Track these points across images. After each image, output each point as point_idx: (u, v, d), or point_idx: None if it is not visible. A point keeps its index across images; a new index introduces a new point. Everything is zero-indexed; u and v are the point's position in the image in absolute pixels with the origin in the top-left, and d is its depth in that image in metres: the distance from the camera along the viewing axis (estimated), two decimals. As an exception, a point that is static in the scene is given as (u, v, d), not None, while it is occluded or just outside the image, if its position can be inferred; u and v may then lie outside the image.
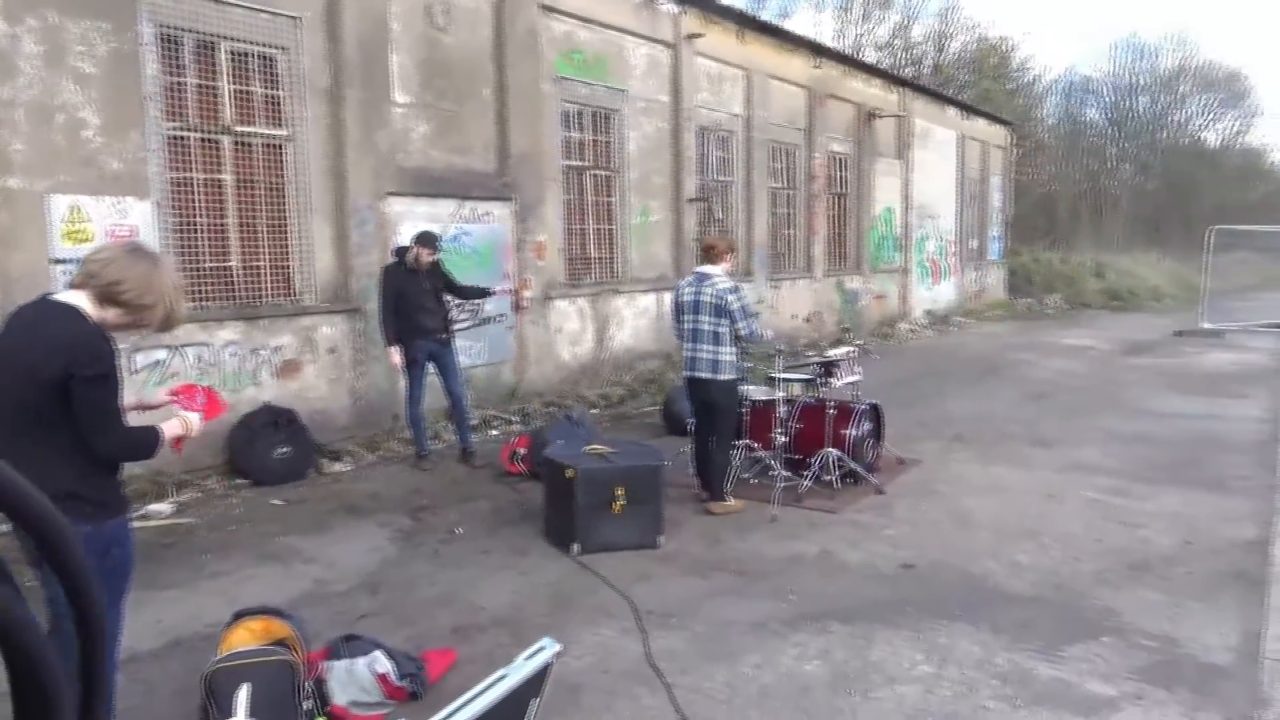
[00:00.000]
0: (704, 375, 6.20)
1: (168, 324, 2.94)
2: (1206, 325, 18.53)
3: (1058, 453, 8.06)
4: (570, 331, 11.07)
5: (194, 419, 3.06)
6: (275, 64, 7.91)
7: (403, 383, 7.90)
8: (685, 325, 6.28)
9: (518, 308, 10.16)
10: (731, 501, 6.36)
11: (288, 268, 8.12)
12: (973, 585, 4.99)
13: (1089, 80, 46.95)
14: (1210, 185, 46.76)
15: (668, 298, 12.32)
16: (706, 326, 6.17)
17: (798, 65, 15.59)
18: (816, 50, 16.40)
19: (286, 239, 8.08)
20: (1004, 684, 3.82)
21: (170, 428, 2.99)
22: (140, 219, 6.93)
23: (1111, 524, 6.01)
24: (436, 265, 7.63)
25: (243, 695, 3.05)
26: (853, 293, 17.75)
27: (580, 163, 11.32)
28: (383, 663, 3.64)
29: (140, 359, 6.91)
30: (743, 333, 6.16)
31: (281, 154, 8.01)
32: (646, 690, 3.80)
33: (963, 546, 5.61)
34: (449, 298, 7.79)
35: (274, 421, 7.37)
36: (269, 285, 7.97)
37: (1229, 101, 49.77)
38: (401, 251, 7.64)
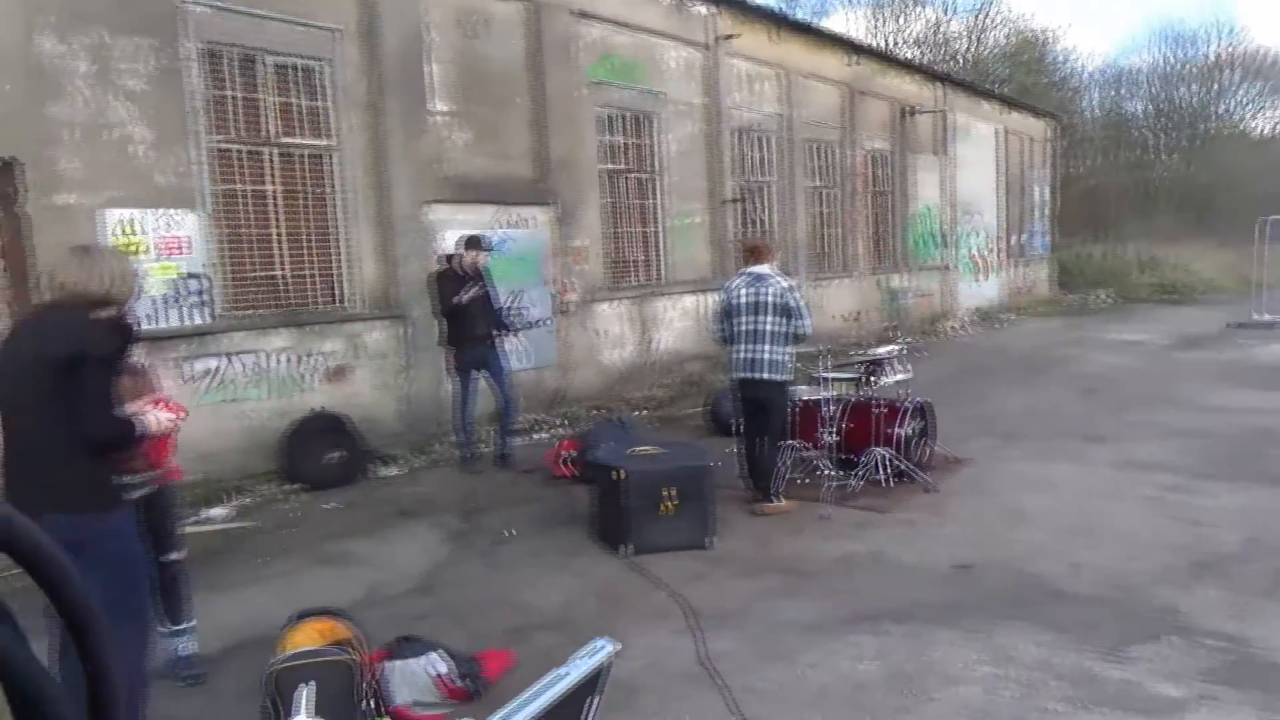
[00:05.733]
0: (765, 376, 6.16)
1: (125, 297, 3.15)
2: (1263, 317, 18.05)
3: (1112, 449, 7.89)
4: (613, 335, 11.09)
5: (164, 416, 3.27)
6: (316, 76, 8.02)
7: (449, 387, 7.96)
8: (742, 327, 6.23)
9: (560, 312, 10.22)
10: (781, 502, 6.31)
11: (334, 275, 8.22)
12: (1030, 585, 4.90)
13: (1131, 72, 46.07)
14: (1260, 174, 45.61)
15: (709, 299, 12.31)
16: (769, 327, 6.14)
17: (833, 63, 15.49)
18: (851, 47, 16.29)
19: (332, 247, 8.19)
20: (1069, 685, 3.74)
21: (149, 422, 3.16)
22: (190, 230, 7.07)
23: (1171, 521, 5.87)
24: (485, 274, 7.66)
25: (306, 694, 3.08)
26: (896, 291, 17.57)
27: (619, 166, 11.34)
28: (440, 664, 3.66)
29: (199, 366, 7.04)
30: (806, 329, 6.17)
31: (325, 164, 8.12)
32: (702, 691, 3.78)
33: (1018, 546, 5.50)
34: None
35: (325, 427, 7.47)
36: (317, 293, 8.08)
37: (1278, 88, 48.52)
38: (450, 258, 7.66)
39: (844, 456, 6.86)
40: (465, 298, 7.35)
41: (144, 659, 3.21)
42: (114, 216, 6.64)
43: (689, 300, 12.31)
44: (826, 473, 6.51)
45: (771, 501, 6.28)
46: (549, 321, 10.06)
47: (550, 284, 10.08)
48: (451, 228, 8.97)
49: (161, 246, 6.86)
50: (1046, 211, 25.58)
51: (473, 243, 7.56)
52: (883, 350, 7.17)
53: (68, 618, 0.63)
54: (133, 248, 6.67)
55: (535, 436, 9.13)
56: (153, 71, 6.86)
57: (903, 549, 5.50)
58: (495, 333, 7.66)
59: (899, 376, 7.12)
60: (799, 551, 5.53)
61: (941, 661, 3.98)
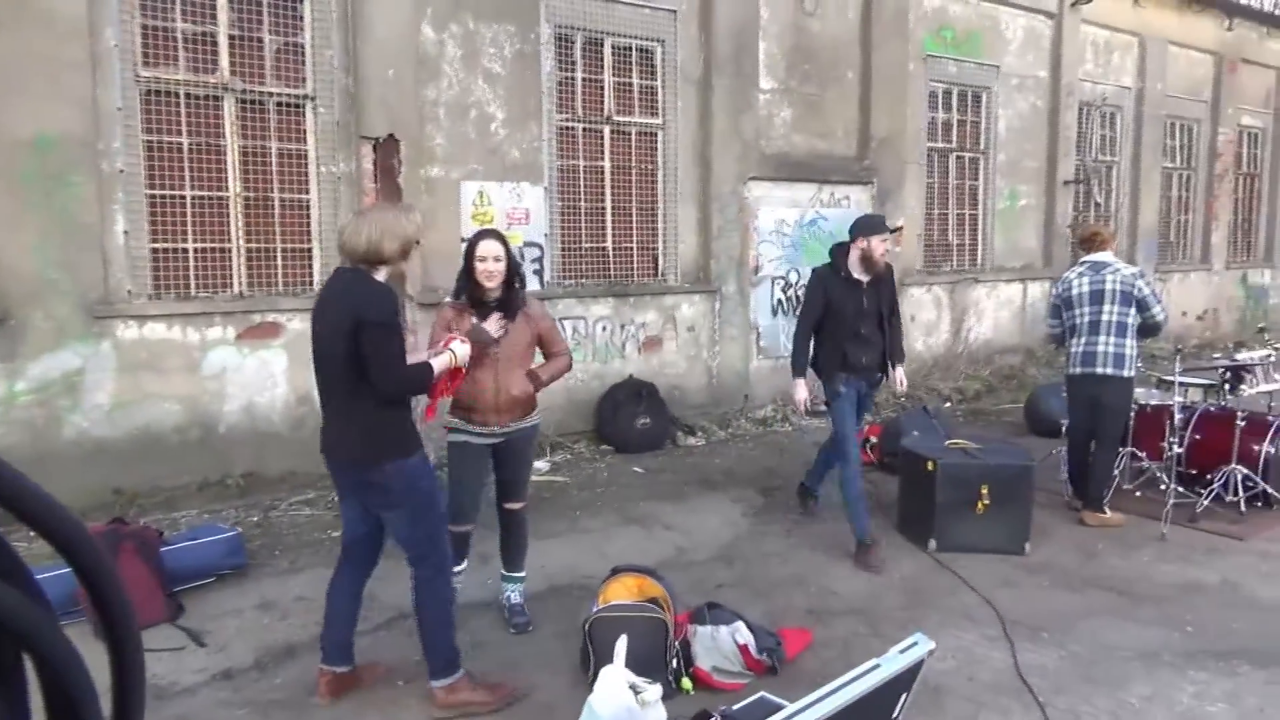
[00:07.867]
0: (1105, 371, 5.64)
1: (396, 256, 3.29)
2: None
3: None
4: (924, 321, 10.64)
5: (461, 349, 3.47)
6: (653, 56, 8.35)
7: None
8: (1081, 318, 5.74)
9: (871, 294, 9.93)
10: (1109, 513, 5.77)
11: (654, 249, 8.58)
12: None
13: None
14: None
15: (1034, 288, 11.49)
16: (1111, 317, 5.63)
17: (1205, 28, 13.68)
18: (1229, 9, 14.27)
19: (655, 222, 8.54)
20: None
21: (439, 361, 3.38)
22: (532, 203, 7.66)
23: None
24: (888, 275, 5.29)
25: (621, 645, 3.27)
26: (1259, 288, 15.36)
27: (944, 145, 10.80)
28: (744, 633, 3.73)
29: (527, 329, 7.65)
30: (1159, 318, 5.59)
31: (654, 141, 8.46)
32: (1017, 705, 3.55)
33: None
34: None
35: (636, 393, 7.84)
36: (637, 265, 8.48)
37: None
38: (842, 249, 5.22)
39: (1189, 471, 6.12)
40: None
41: (445, 594, 3.45)
42: (471, 188, 7.36)
43: (1010, 289, 11.52)
44: (1167, 487, 5.84)
45: (1098, 512, 5.76)
46: (859, 303, 9.84)
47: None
48: (768, 205, 9.03)
49: (508, 216, 7.50)
50: None
51: (867, 226, 5.12)
52: (1250, 355, 6.28)
53: (86, 582, 0.59)
54: (485, 217, 7.35)
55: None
56: (510, 55, 7.48)
57: (1262, 584, 4.82)
58: (889, 365, 5.35)
59: (1268, 387, 6.22)
60: (1130, 570, 5.03)
61: (1310, 719, 3.46)
